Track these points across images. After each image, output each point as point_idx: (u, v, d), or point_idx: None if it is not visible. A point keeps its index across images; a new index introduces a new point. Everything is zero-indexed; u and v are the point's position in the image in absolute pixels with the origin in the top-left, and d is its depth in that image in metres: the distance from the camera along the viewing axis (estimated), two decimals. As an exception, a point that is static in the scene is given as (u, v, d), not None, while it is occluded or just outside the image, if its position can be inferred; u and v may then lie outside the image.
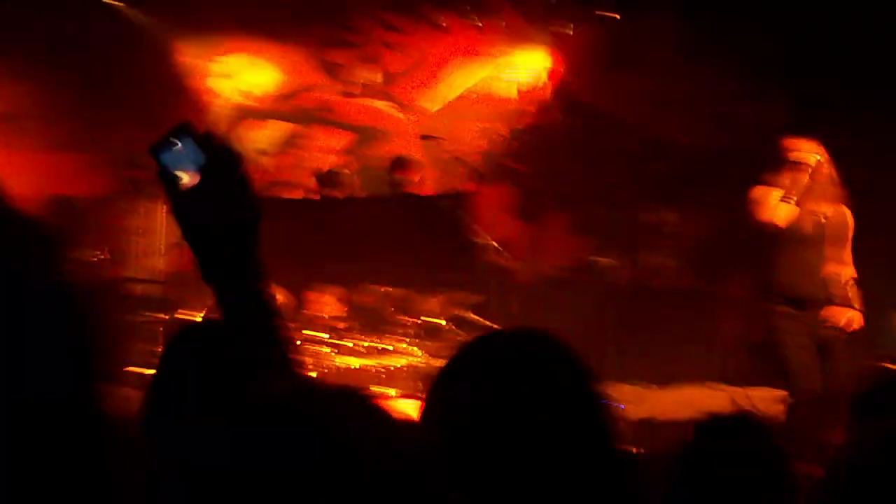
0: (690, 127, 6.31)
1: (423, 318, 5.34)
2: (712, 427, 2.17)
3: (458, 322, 5.34)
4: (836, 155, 4.97)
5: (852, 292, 4.95)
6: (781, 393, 4.80)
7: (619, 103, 6.34)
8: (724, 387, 5.35)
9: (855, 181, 5.07)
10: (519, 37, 6.48)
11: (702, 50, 5.90)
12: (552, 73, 6.56)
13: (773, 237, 4.95)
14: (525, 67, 6.57)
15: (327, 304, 5.54)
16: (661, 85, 6.13)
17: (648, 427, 4.58)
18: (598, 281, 6.06)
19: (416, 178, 5.97)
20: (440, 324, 5.35)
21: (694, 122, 6.29)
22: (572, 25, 6.34)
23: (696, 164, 6.21)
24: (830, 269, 4.97)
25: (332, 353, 5.19)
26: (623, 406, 4.52)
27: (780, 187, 4.94)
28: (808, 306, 4.91)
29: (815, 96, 5.83)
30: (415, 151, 6.38)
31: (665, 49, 6.09)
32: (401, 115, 6.96)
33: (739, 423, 2.21)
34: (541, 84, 6.56)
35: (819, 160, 4.92)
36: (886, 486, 1.40)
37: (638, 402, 5.13)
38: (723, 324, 5.95)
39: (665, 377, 5.45)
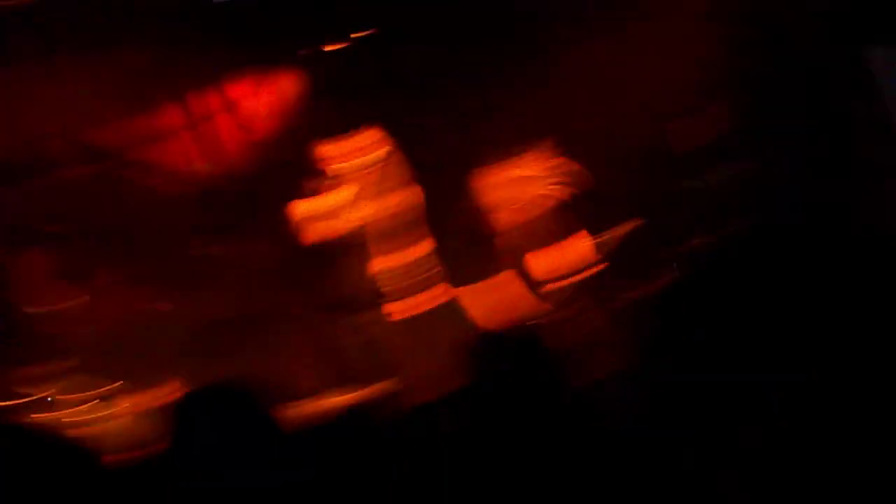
0: (214, 153, 6.44)
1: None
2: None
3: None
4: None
5: (428, 273, 5.44)
6: (386, 385, 5.06)
7: (129, 141, 6.24)
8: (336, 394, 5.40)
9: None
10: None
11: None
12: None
13: (331, 247, 5.29)
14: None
15: None
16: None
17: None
18: (166, 325, 5.92)
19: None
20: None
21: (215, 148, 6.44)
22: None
23: (236, 188, 6.36)
24: (392, 261, 5.43)
25: None
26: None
27: (346, 190, 5.29)
28: (370, 303, 5.37)
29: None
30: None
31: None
32: None
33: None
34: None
35: (386, 150, 5.34)
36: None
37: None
38: (301, 338, 6.16)
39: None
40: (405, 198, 5.75)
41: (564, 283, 5.19)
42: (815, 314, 1.39)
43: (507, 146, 5.41)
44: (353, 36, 6.87)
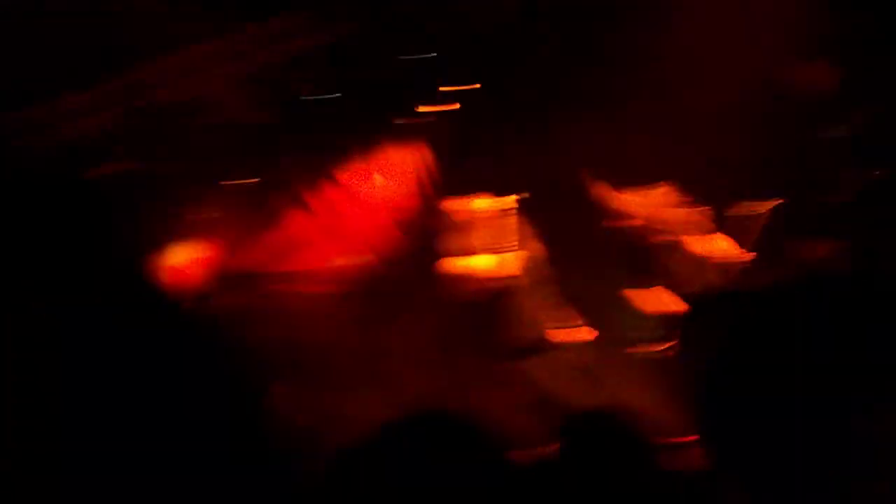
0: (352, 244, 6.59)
1: None
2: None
3: None
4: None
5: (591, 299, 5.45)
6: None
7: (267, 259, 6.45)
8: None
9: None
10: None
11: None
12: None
13: (491, 300, 5.46)
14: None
15: None
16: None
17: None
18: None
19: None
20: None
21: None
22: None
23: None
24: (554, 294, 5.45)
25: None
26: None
27: (478, 246, 5.47)
28: (547, 342, 5.39)
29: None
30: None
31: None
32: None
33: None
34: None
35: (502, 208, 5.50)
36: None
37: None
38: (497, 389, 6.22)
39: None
40: (548, 236, 5.87)
41: (724, 270, 5.22)
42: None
43: (626, 158, 5.50)
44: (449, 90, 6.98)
